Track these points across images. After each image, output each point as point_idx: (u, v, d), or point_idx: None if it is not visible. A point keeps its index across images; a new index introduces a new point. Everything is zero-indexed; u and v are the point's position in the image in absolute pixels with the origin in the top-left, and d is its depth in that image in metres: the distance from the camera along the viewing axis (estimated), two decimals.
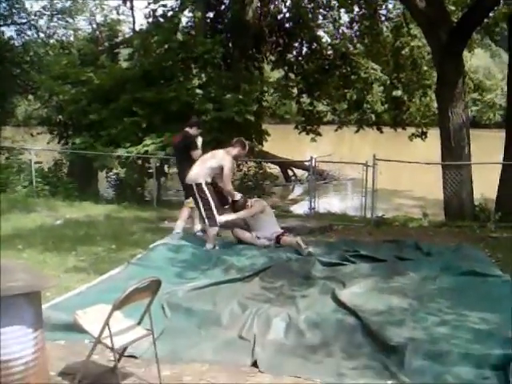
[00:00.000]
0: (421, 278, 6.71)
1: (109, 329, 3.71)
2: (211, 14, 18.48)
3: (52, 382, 3.98)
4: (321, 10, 19.82)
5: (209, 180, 8.32)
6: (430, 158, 13.19)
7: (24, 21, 23.66)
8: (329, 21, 20.08)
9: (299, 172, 22.56)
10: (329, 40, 20.38)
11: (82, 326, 3.97)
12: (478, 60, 39.08)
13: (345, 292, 6.06)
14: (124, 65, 15.88)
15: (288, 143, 30.86)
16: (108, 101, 14.43)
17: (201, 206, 8.24)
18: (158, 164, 13.39)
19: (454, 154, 11.74)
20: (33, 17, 24.35)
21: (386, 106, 20.63)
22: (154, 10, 16.79)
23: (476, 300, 5.83)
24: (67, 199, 12.93)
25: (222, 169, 8.28)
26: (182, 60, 14.99)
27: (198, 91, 13.97)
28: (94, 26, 24.70)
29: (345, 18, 19.69)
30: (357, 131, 20.36)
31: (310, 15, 19.38)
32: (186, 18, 18.04)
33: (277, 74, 22.68)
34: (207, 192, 8.21)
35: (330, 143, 33.51)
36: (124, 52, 17.60)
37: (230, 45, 17.63)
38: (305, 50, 20.06)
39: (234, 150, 8.55)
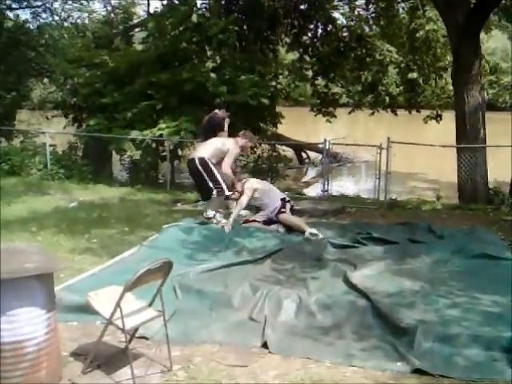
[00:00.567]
0: (433, 260, 6.72)
1: (120, 310, 3.74)
2: None
3: (64, 362, 4.04)
4: None
5: (213, 161, 8.47)
6: (444, 141, 13.06)
7: (39, 4, 23.51)
8: (344, 2, 19.85)
9: (313, 154, 22.52)
10: (344, 22, 20.09)
11: (93, 307, 4.02)
12: (496, 42, 38.64)
13: (356, 274, 6.07)
14: (139, 47, 15.84)
15: (302, 126, 30.78)
16: (123, 83, 14.42)
17: (205, 177, 8.39)
18: (171, 147, 13.41)
19: (469, 137, 11.66)
20: None
21: (401, 88, 20.47)
22: None
23: (488, 283, 5.82)
24: (81, 182, 13.04)
25: (225, 153, 8.50)
26: (196, 42, 14.93)
27: (212, 75, 13.92)
28: (109, 8, 24.50)
29: None
30: (372, 114, 20.24)
31: None
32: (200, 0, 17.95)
33: (291, 56, 22.52)
34: (211, 165, 8.40)
35: (345, 126, 33.34)
36: (139, 35, 17.60)
37: (245, 27, 17.50)
38: (320, 31, 19.75)
39: (242, 141, 8.89)
